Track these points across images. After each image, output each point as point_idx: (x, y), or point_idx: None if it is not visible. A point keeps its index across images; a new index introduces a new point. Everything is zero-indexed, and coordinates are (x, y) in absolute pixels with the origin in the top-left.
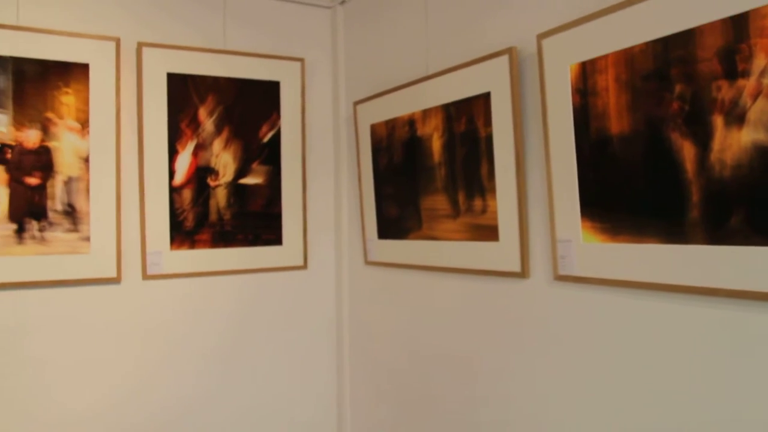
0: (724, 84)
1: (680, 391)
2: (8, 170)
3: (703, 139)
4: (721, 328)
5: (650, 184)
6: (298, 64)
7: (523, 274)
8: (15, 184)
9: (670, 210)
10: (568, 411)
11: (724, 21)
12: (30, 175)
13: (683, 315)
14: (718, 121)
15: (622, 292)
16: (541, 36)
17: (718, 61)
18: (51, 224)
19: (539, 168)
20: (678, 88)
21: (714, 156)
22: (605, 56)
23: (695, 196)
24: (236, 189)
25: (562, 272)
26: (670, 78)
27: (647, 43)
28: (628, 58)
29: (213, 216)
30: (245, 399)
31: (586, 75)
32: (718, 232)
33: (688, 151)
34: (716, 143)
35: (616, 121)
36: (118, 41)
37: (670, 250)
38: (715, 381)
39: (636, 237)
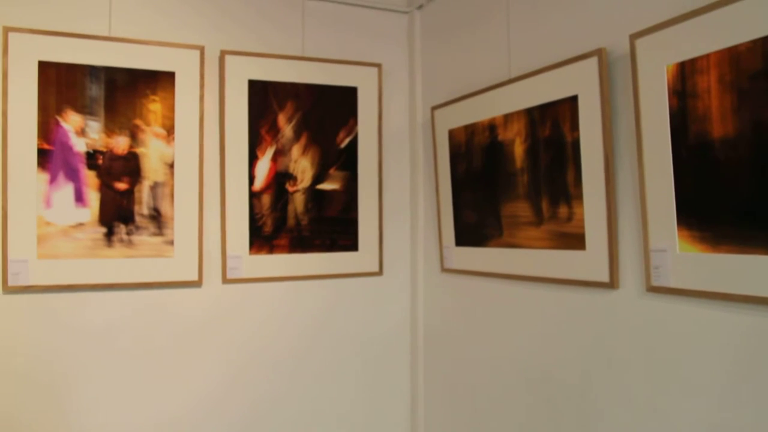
0: None
1: None
2: (99, 175)
3: None
4: None
5: (757, 190)
6: (375, 69)
7: (611, 284)
8: (105, 189)
9: None
10: (655, 429)
11: None
12: (119, 180)
13: None
14: None
15: (723, 306)
16: (635, 36)
17: None
18: (138, 228)
19: (630, 174)
20: None
21: None
22: (706, 56)
23: None
24: (314, 194)
25: (655, 283)
26: None
27: (754, 41)
28: (732, 57)
29: (291, 221)
30: (319, 404)
31: (684, 76)
32: None
33: None
34: None
35: (719, 124)
36: (202, 50)
37: None
38: None
39: (740, 247)
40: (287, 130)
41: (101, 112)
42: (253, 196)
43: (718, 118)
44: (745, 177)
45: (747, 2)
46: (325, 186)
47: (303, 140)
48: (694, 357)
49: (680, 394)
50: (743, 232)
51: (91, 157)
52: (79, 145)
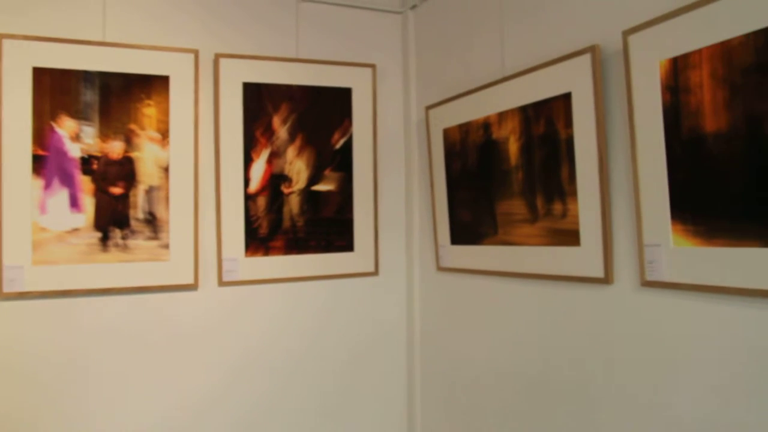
0: None
1: None
2: (94, 180)
3: None
4: None
5: (750, 184)
6: (369, 70)
7: (606, 279)
8: (100, 193)
9: None
10: (654, 426)
11: None
12: (114, 184)
13: None
14: None
15: (717, 299)
16: (627, 32)
17: None
18: (133, 232)
19: (624, 169)
20: None
21: None
22: (699, 51)
23: None
24: (309, 196)
25: (650, 278)
26: None
27: (747, 35)
28: (725, 51)
29: (286, 223)
30: (316, 405)
31: (677, 71)
32: None
33: None
34: None
35: (712, 118)
36: (196, 53)
37: None
38: None
39: (734, 240)
40: (282, 132)
41: (96, 117)
42: (249, 198)
43: (711, 113)
44: (738, 171)
45: None
46: (321, 187)
47: (298, 142)
48: (690, 351)
49: (676, 388)
50: (736, 225)
51: (86, 162)
52: (74, 151)
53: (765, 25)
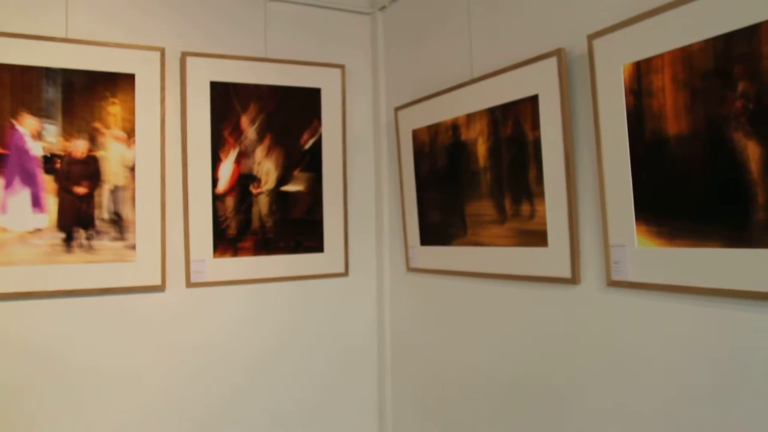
0: None
1: (746, 403)
2: (57, 180)
3: None
4: None
5: (711, 185)
6: (338, 70)
7: (573, 280)
8: (64, 193)
9: (733, 212)
10: (618, 424)
11: None
12: (78, 184)
13: (747, 322)
14: None
15: (680, 299)
16: (592, 36)
17: None
18: (98, 233)
19: (590, 171)
20: (741, 86)
21: None
22: (661, 55)
23: (761, 197)
24: (278, 196)
25: (615, 278)
26: (733, 76)
27: (707, 41)
28: (686, 56)
29: (255, 223)
30: (285, 408)
31: (640, 75)
32: None
33: (752, 150)
34: None
35: (674, 121)
36: (162, 51)
37: (733, 254)
38: None
39: (696, 241)
40: (250, 131)
41: (58, 115)
42: (217, 198)
43: (673, 116)
44: (699, 173)
45: (699, 3)
46: (290, 188)
47: (266, 142)
48: (654, 349)
49: (641, 386)
50: (698, 226)
51: (49, 161)
52: (36, 149)
53: (724, 31)
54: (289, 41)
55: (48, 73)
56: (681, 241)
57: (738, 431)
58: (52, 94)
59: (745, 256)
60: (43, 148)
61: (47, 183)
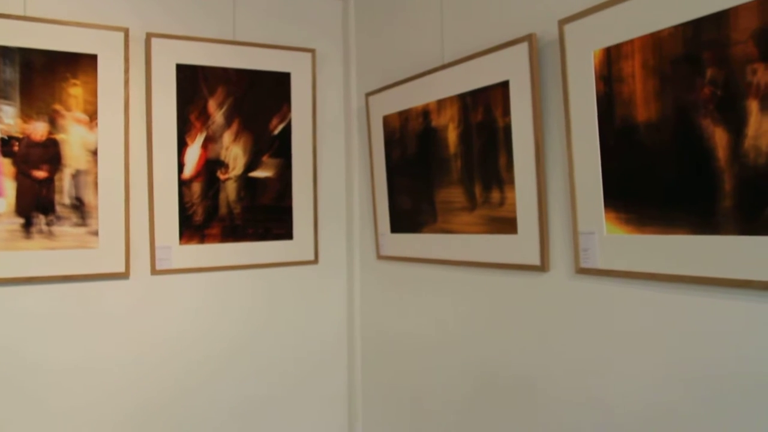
0: (759, 67)
1: (715, 389)
2: (15, 163)
3: (736, 126)
4: (755, 322)
5: (679, 172)
6: (308, 55)
7: (542, 267)
8: (22, 177)
9: (700, 199)
10: (589, 411)
11: (761, 1)
12: (37, 168)
13: (715, 308)
14: (753, 106)
15: (648, 285)
16: (563, 21)
17: (754, 43)
18: (59, 218)
19: (560, 158)
20: (710, 73)
21: (748, 143)
22: (631, 41)
23: (728, 184)
24: (246, 182)
25: (584, 265)
26: (702, 62)
27: (676, 27)
28: (655, 42)
29: (223, 210)
30: (252, 397)
31: (610, 61)
32: (752, 222)
33: (720, 137)
34: (751, 129)
35: (643, 108)
36: (126, 32)
37: (700, 241)
38: (750, 376)
39: (664, 228)
40: (218, 116)
41: (16, 96)
42: (183, 184)
43: (642, 103)
44: (667, 160)
45: None
46: (258, 173)
47: (234, 126)
48: (622, 336)
49: (610, 374)
50: (666, 213)
51: (6, 144)
52: None
53: (694, 17)
54: (258, 24)
55: (5, 51)
56: (649, 228)
57: (707, 416)
58: (9, 74)
59: (713, 243)
60: (1, 130)
61: (5, 166)
